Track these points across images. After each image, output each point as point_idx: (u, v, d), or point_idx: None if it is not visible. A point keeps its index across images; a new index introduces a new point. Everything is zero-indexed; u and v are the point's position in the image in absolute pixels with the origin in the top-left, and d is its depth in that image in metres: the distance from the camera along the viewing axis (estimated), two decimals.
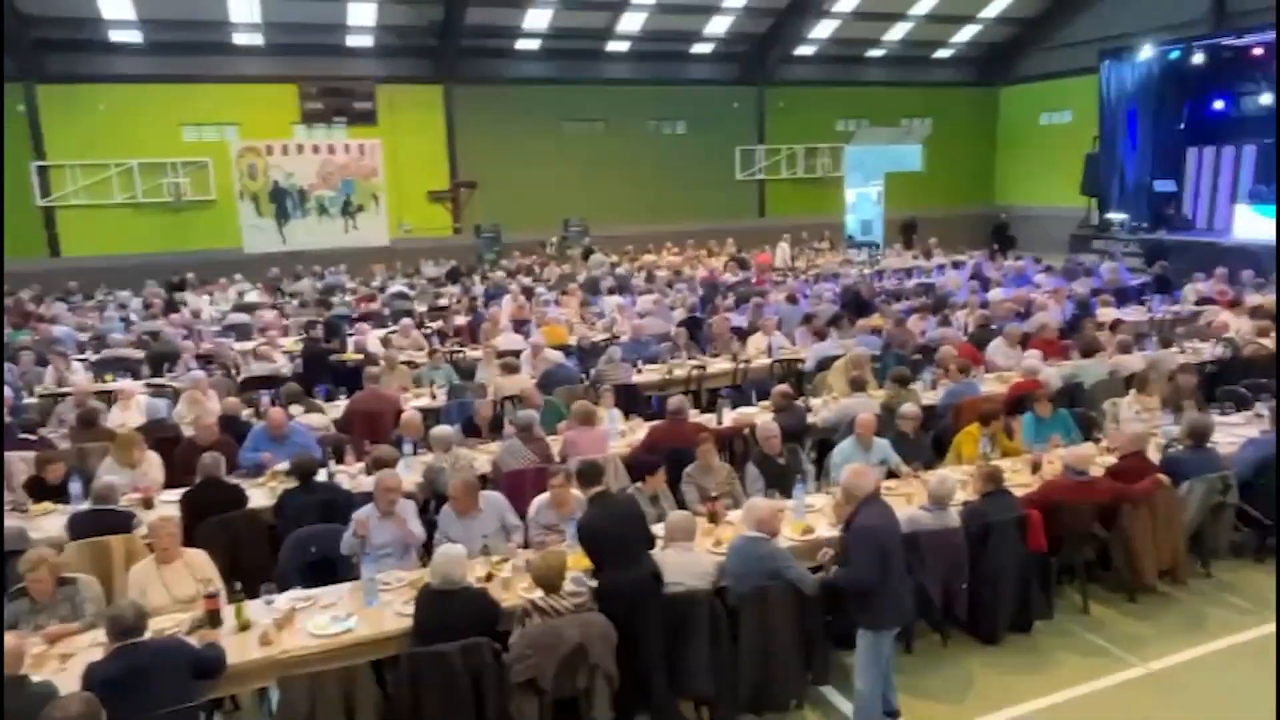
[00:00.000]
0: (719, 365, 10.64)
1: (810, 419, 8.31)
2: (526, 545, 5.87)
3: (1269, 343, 10.50)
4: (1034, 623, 5.93)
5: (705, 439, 6.81)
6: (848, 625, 5.03)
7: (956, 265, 18.97)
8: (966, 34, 28.30)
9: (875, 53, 28.25)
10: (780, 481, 6.53)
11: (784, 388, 8.31)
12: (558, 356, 10.37)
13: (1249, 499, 6.65)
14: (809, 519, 6.00)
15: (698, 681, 4.86)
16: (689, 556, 5.16)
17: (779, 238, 22.00)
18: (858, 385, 8.35)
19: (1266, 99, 20.72)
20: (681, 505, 6.49)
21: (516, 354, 10.52)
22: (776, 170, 27.40)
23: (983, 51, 29.42)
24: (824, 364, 10.05)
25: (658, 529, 5.43)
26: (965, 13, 27.07)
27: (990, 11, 27.23)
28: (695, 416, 8.37)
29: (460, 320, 13.19)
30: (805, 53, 27.39)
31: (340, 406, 8.91)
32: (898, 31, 27.34)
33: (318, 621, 4.89)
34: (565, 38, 24.04)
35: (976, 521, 5.71)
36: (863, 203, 29.96)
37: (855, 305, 13.67)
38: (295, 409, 8.45)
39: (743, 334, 11.96)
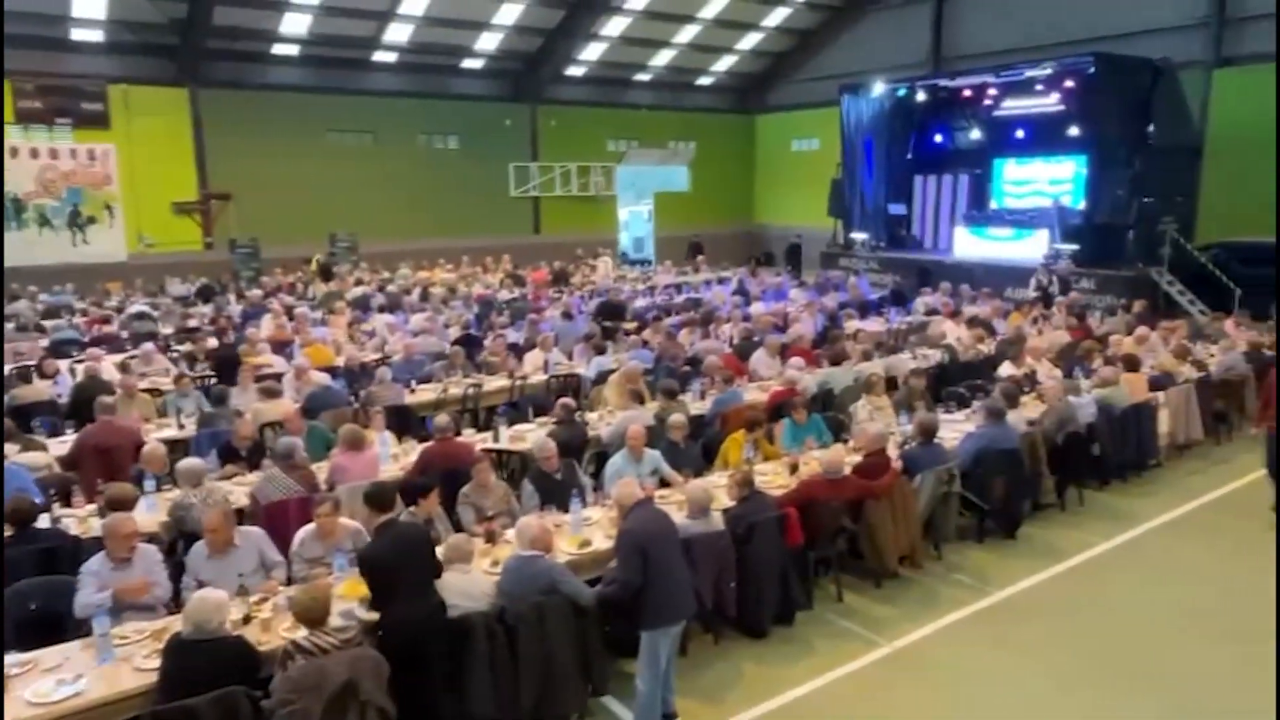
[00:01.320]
0: (496, 383, 10.55)
1: (590, 432, 8.42)
2: (290, 582, 5.48)
3: (985, 348, 11.93)
4: (796, 614, 6.33)
5: (480, 458, 6.70)
6: (628, 631, 5.12)
7: (722, 281, 20.00)
8: (725, 64, 30.06)
9: (642, 77, 29.33)
10: (558, 497, 6.54)
11: (567, 401, 8.35)
12: (324, 378, 9.83)
13: (969, 487, 7.49)
14: (586, 532, 6.05)
15: (478, 703, 4.75)
16: (466, 579, 5.04)
17: (596, 253, 22.39)
18: (635, 398, 8.53)
19: (975, 134, 23.63)
20: (458, 527, 6.35)
21: (278, 377, 9.88)
22: (550, 187, 27.66)
23: (740, 81, 31.38)
24: (602, 377, 10.22)
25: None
26: (724, 44, 28.77)
27: (746, 44, 29.12)
28: (471, 435, 8.25)
29: (212, 342, 12.16)
30: (576, 73, 27.93)
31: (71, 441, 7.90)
32: (663, 58, 28.55)
33: (39, 688, 4.29)
34: (328, 45, 22.97)
35: (741, 524, 6.01)
36: (635, 221, 30.89)
37: (609, 314, 13.96)
38: (10, 447, 7.39)
39: (519, 351, 11.94)
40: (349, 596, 5.02)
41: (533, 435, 8.27)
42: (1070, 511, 8.39)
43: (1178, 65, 18.71)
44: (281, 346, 11.95)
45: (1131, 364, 9.66)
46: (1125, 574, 7.17)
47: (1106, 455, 8.79)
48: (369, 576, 4.90)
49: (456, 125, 25.98)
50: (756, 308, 15.35)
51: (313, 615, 4.43)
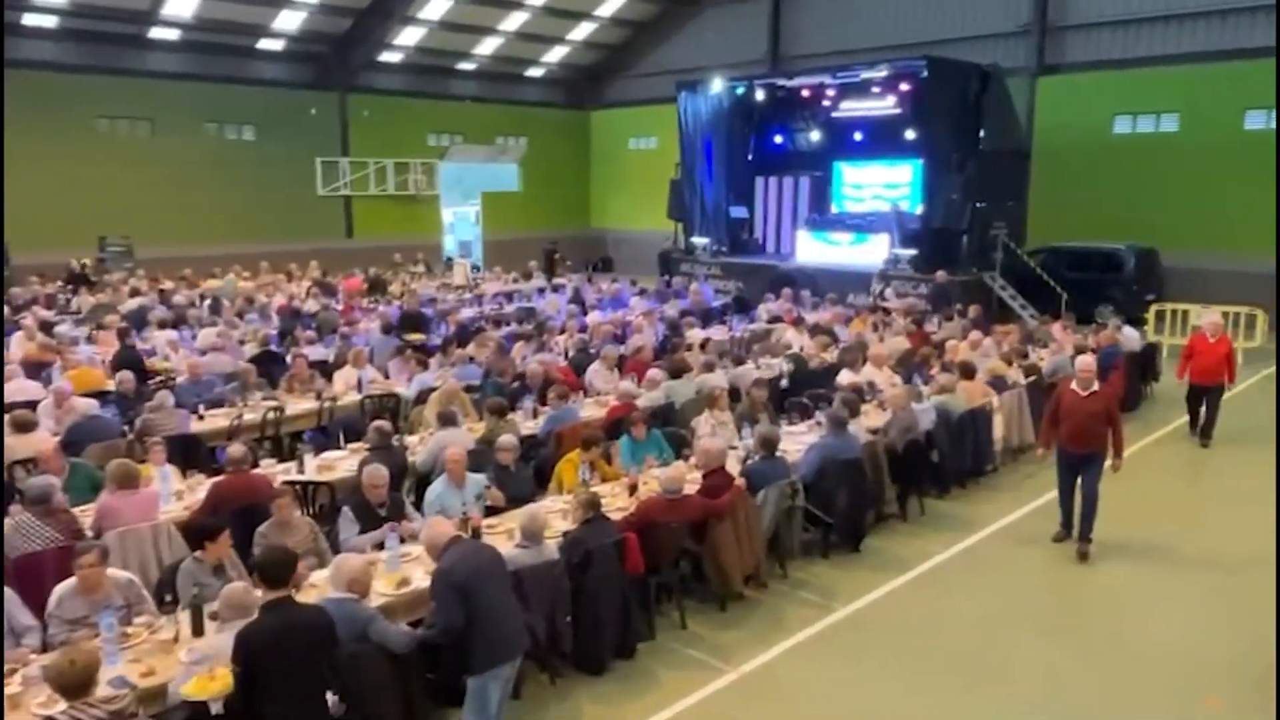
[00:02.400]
0: (300, 405, 10.16)
1: (410, 458, 8.21)
2: (45, 648, 5.02)
3: (828, 356, 12.52)
4: (637, 646, 6.39)
5: (281, 492, 6.40)
6: (456, 678, 5.01)
7: (557, 289, 20.04)
8: (557, 55, 30.25)
9: (466, 66, 29.07)
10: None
11: (382, 423, 8.10)
12: (90, 406, 9.10)
13: (813, 500, 7.83)
14: (406, 569, 5.88)
15: None
16: None
17: (516, 252, 21.85)
18: (447, 419, 8.39)
19: (815, 135, 24.84)
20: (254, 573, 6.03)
21: (33, 405, 9.11)
22: (364, 185, 26.93)
23: (573, 74, 31.65)
24: (424, 396, 10.01)
25: (212, 607, 4.95)
26: (555, 34, 28.95)
27: (578, 35, 29.42)
28: (271, 467, 7.87)
29: None
30: (391, 59, 27.34)
31: None
32: (488, 46, 28.40)
33: None
34: (93, 17, 21.39)
35: (577, 551, 6.02)
36: (461, 223, 30.50)
37: (410, 326, 13.76)
38: None
39: (328, 368, 11.50)
40: (197, 695, 4.36)
41: (344, 464, 8.02)
42: (912, 521, 8.93)
43: (1005, 71, 20.43)
44: (37, 369, 10.97)
45: (967, 370, 10.40)
46: (966, 581, 7.71)
47: (946, 462, 9.42)
48: (245, 663, 4.34)
49: (252, 114, 24.87)
50: (593, 317, 15.48)
51: (73, 684, 4.07)
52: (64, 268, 19.86)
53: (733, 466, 7.65)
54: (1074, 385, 8.05)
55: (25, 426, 8.18)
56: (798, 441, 8.62)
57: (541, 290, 20.05)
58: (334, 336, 13.67)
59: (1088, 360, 8.21)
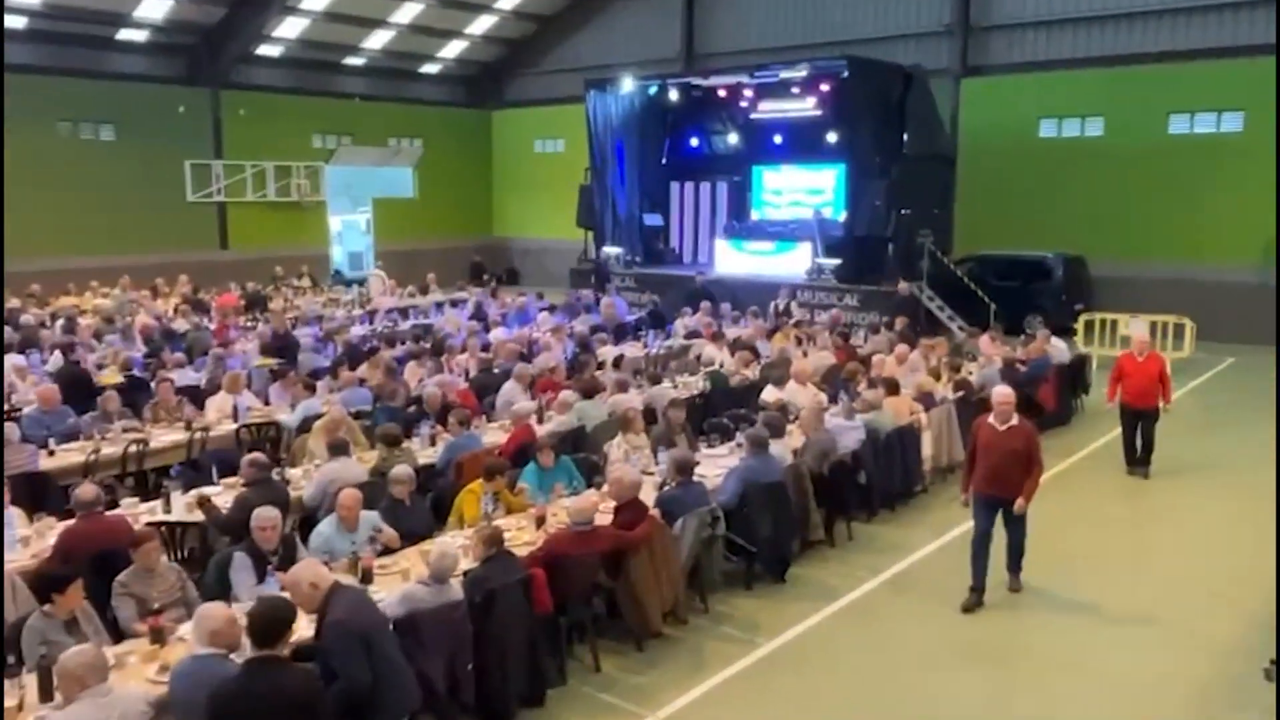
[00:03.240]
0: (168, 437, 9.86)
1: (293, 493, 8.01)
2: None
3: (749, 373, 12.68)
4: (547, 692, 6.34)
5: (145, 535, 6.18)
6: None
7: (455, 304, 19.87)
8: (454, 49, 30.11)
9: (355, 61, 28.71)
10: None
11: (257, 456, 7.87)
12: None
13: (735, 528, 7.90)
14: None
15: None
16: (105, 703, 4.39)
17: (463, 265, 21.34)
18: (336, 449, 8.23)
19: (733, 139, 25.24)
20: (115, 626, 5.79)
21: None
22: (240, 191, 26.36)
23: (473, 71, 31.54)
24: (308, 425, 9.79)
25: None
26: (452, 27, 28.82)
27: (478, 28, 29.35)
28: (134, 507, 7.59)
29: None
30: (270, 53, 26.84)
31: None
32: (378, 39, 28.11)
33: None
34: None
35: (480, 590, 5.95)
36: (350, 232, 30.01)
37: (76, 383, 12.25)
38: None
39: (200, 395, 11.17)
40: None
41: (218, 501, 7.76)
42: (840, 547, 9.08)
43: (929, 72, 21.12)
44: None
45: (893, 386, 10.66)
46: (896, 609, 7.87)
47: (873, 484, 9.62)
48: None
49: (111, 111, 24.14)
50: (497, 334, 15.40)
51: None
52: None
53: (648, 494, 7.68)
54: (991, 419, 7.61)
55: None
56: (717, 465, 8.69)
57: (439, 306, 19.84)
58: (206, 359, 13.25)
59: (1003, 392, 7.75)
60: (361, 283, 24.65)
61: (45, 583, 5.60)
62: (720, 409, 11.10)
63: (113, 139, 24.39)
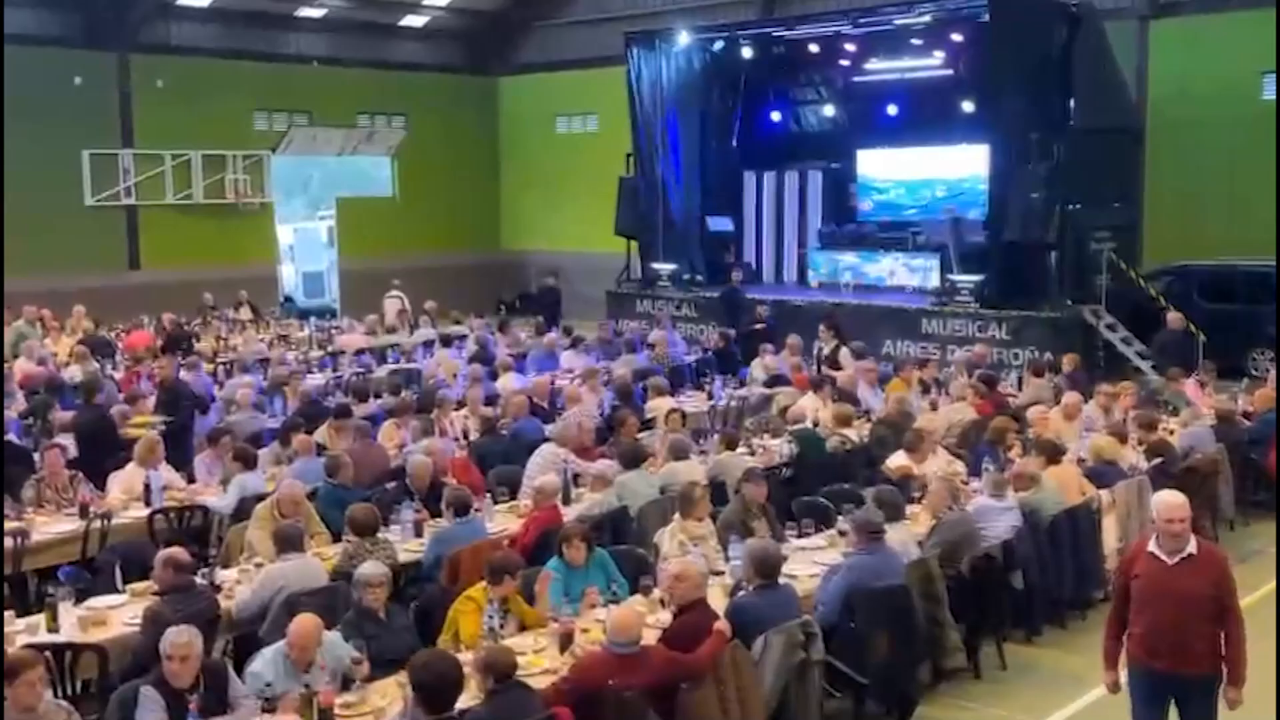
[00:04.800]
0: (54, 527, 9.96)
1: (224, 603, 8.07)
2: None
3: (853, 433, 12.59)
4: None
5: (25, 663, 6.22)
6: None
7: (450, 342, 20.01)
8: None
9: (311, 12, 29.22)
10: None
11: (175, 553, 7.94)
12: None
13: (838, 650, 7.80)
14: None
15: None
16: None
17: (388, 288, 22.28)
18: (286, 541, 8.28)
19: (830, 111, 25.30)
20: None
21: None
22: (157, 191, 26.99)
23: (472, 23, 32.06)
24: (247, 509, 9.88)
25: None
26: None
27: None
28: (8, 624, 7.66)
29: None
30: (196, 3, 27.39)
31: None
32: None
33: None
34: None
35: None
36: (308, 246, 30.46)
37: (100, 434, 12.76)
38: None
39: (99, 469, 11.27)
40: None
41: (121, 615, 7.86)
42: (988, 679, 8.91)
43: (1103, 12, 21.00)
44: None
45: (1059, 451, 10.52)
46: None
47: (1033, 589, 9.46)
48: None
49: None
50: (506, 382, 15.46)
51: None
52: None
53: (717, 601, 7.62)
54: (1153, 546, 6.49)
55: None
56: (812, 562, 8.61)
57: (428, 345, 20.02)
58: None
59: (1172, 504, 6.44)
60: (323, 314, 25.02)
61: None
62: (815, 483, 10.99)
63: None
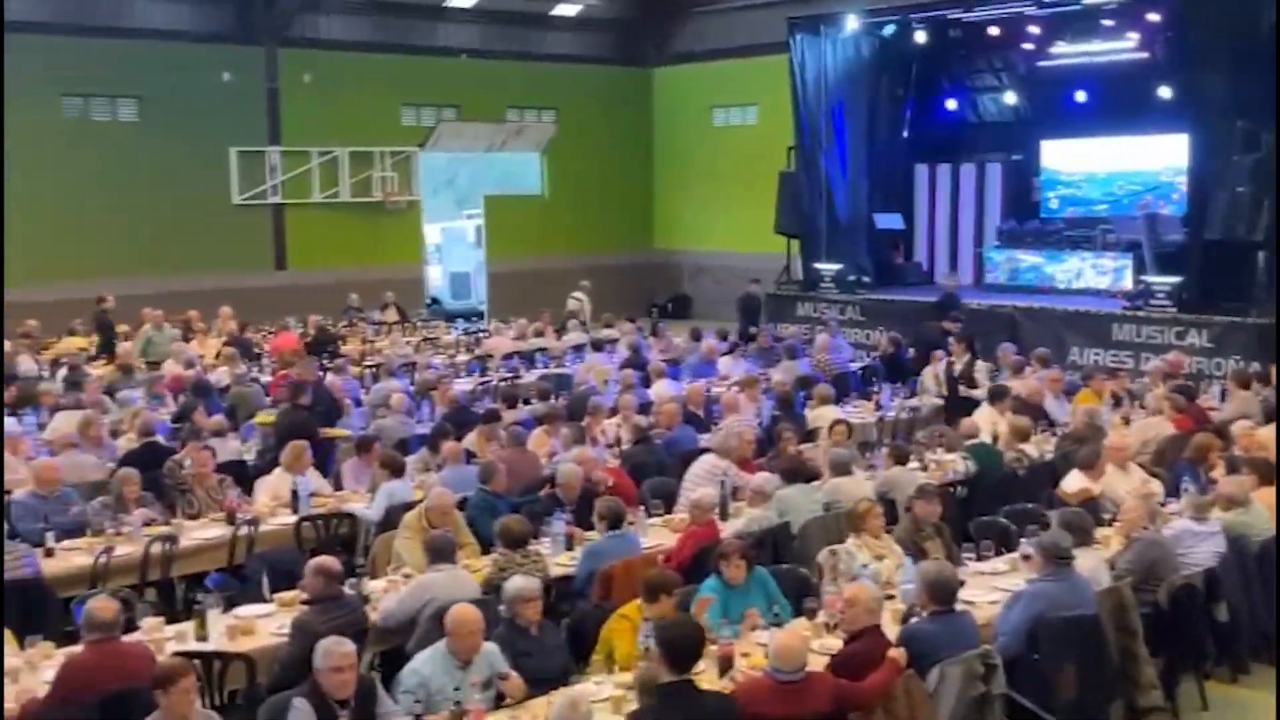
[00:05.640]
0: (202, 532, 10.27)
1: (372, 615, 8.26)
2: None
3: (1032, 448, 12.34)
4: None
5: (176, 672, 6.44)
6: None
7: (600, 347, 20.16)
8: None
9: (460, 3, 29.62)
10: None
11: (327, 563, 8.13)
12: None
13: (1020, 683, 7.64)
14: None
15: None
16: None
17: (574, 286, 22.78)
18: (438, 552, 8.43)
19: (1011, 98, 24.85)
20: None
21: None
22: (304, 189, 27.64)
23: (625, 12, 32.18)
24: (395, 517, 10.09)
25: None
26: None
27: None
28: (158, 630, 7.96)
29: None
30: None
31: None
32: None
33: None
34: None
35: None
36: (454, 245, 30.92)
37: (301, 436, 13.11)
38: None
39: (247, 474, 11.63)
40: None
41: (269, 625, 8.09)
42: (1187, 718, 8.67)
43: None
44: None
45: (1268, 470, 10.16)
46: None
47: (1239, 621, 9.14)
48: None
49: (134, 81, 25.68)
50: (660, 389, 15.51)
51: None
52: None
53: (888, 627, 7.54)
54: None
55: None
56: (992, 587, 8.50)
57: (578, 349, 20.21)
58: (254, 425, 13.91)
59: None
60: (470, 317, 25.37)
61: None
62: (994, 502, 10.83)
63: (135, 119, 25.97)
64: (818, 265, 24.62)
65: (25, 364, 17.59)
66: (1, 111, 21.68)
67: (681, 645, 6.29)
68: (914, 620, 7.66)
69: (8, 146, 23.84)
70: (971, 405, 14.76)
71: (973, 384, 15.84)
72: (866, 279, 24.33)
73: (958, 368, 16.40)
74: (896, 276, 24.82)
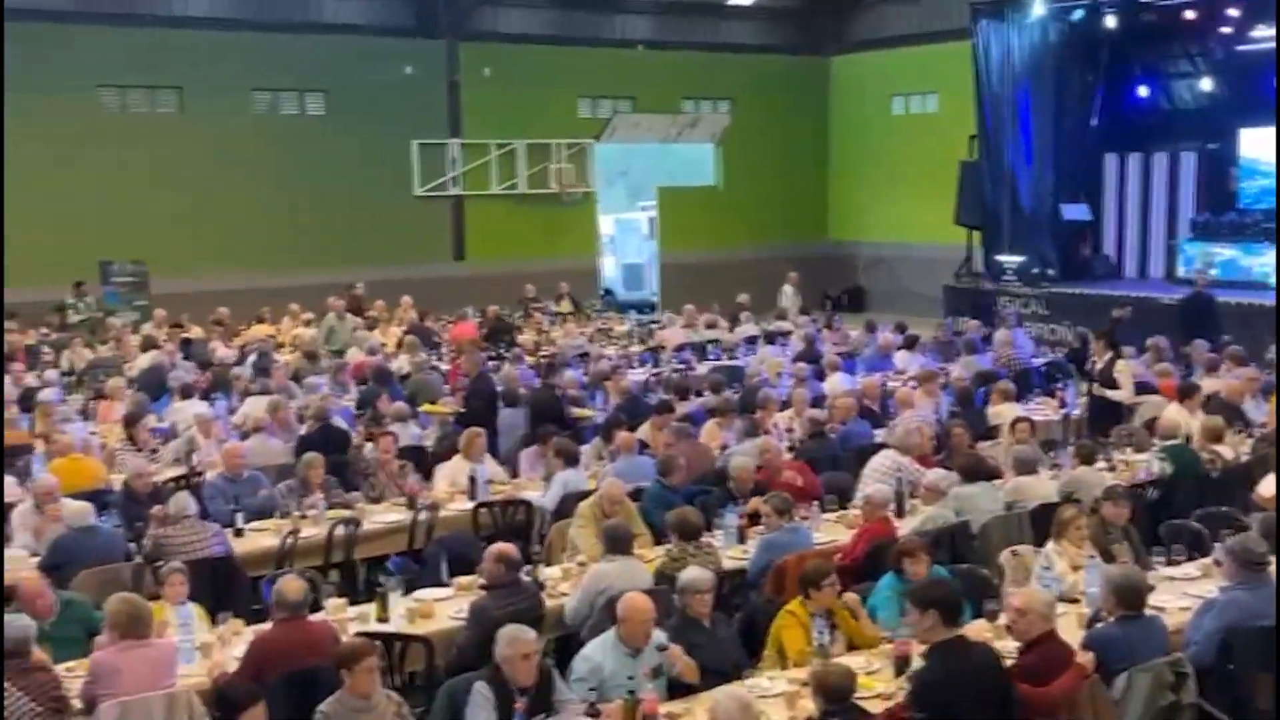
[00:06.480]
0: (383, 516, 10.53)
1: (549, 602, 8.38)
2: None
3: (1226, 450, 11.93)
4: None
5: (360, 651, 6.64)
6: None
7: (773, 339, 20.09)
8: None
9: None
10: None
11: (505, 548, 8.28)
12: (83, 512, 9.81)
13: (1214, 695, 7.42)
14: None
15: None
16: None
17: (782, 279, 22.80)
18: (614, 541, 8.52)
19: (1208, 85, 24.05)
20: None
21: (2, 511, 9.90)
22: (483, 181, 28.07)
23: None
24: (570, 505, 10.23)
25: None
26: None
27: None
28: (340, 611, 8.21)
29: None
30: None
31: None
32: None
33: None
34: None
35: None
36: (628, 237, 31.10)
37: (552, 415, 13.76)
38: None
39: (426, 460, 11.90)
40: None
41: (448, 607, 8.27)
42: None
43: None
44: (12, 456, 11.93)
45: None
46: None
47: None
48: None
49: (321, 76, 26.36)
50: (834, 383, 15.42)
51: None
52: (50, 309, 21.57)
53: (1070, 631, 7.41)
54: None
55: None
56: (1184, 594, 8.27)
57: (751, 341, 20.16)
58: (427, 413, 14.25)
59: None
60: (643, 308, 25.46)
61: (229, 702, 6.17)
62: (1188, 506, 10.51)
63: (321, 113, 26.70)
64: (1000, 257, 24.25)
65: (219, 351, 18.24)
66: (1, 108, 21.82)
67: (952, 602, 6.67)
68: (1099, 625, 7.50)
69: (209, 140, 24.82)
70: (1113, 409, 14.39)
71: (1111, 384, 15.28)
72: (1051, 271, 23.86)
73: (1098, 366, 15.87)
74: (1083, 269, 24.29)
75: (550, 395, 14.24)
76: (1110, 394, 14.69)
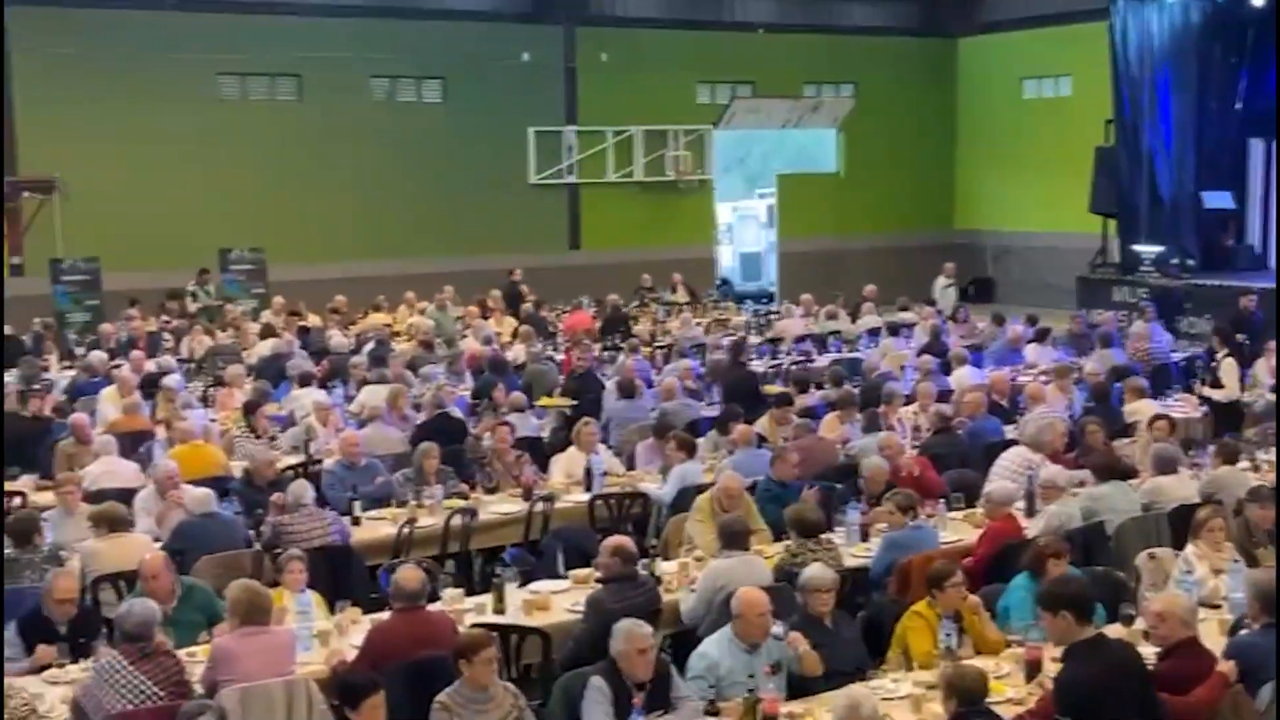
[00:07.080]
0: (499, 507, 10.63)
1: (666, 596, 8.39)
2: None
3: None
4: None
5: (478, 642, 6.70)
6: None
7: (896, 331, 19.90)
8: None
9: None
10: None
11: (622, 541, 8.32)
12: (204, 499, 10.05)
13: None
14: None
15: None
16: None
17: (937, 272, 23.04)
18: (731, 537, 8.50)
19: None
20: None
21: (127, 496, 10.10)
22: (598, 169, 28.12)
23: None
24: (687, 498, 10.22)
25: None
26: None
27: None
28: (457, 601, 8.31)
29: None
30: None
31: None
32: None
33: None
34: None
35: None
36: (745, 226, 30.97)
37: (744, 393, 14.04)
38: None
39: (542, 451, 12.00)
40: None
41: (564, 600, 8.32)
42: None
43: None
44: (135, 442, 12.21)
45: None
46: None
47: None
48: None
49: (438, 62, 26.60)
50: (961, 376, 15.24)
51: None
52: (168, 295, 22.03)
53: (1212, 639, 7.26)
54: None
55: (116, 525, 9.08)
56: None
57: (874, 334, 20.01)
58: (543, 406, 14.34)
59: None
60: (760, 298, 25.32)
61: (350, 690, 6.26)
62: None
63: (438, 100, 26.97)
64: (1137, 247, 23.82)
65: (336, 339, 18.55)
66: (2, 123, 22.19)
67: (1083, 600, 6.64)
68: (1244, 632, 7.31)
69: (326, 127, 25.20)
70: (1235, 409, 14.18)
71: (1217, 384, 14.87)
72: (1191, 262, 23.38)
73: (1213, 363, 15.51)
74: (1225, 260, 23.77)
75: (745, 374, 14.68)
76: (1211, 393, 14.40)
